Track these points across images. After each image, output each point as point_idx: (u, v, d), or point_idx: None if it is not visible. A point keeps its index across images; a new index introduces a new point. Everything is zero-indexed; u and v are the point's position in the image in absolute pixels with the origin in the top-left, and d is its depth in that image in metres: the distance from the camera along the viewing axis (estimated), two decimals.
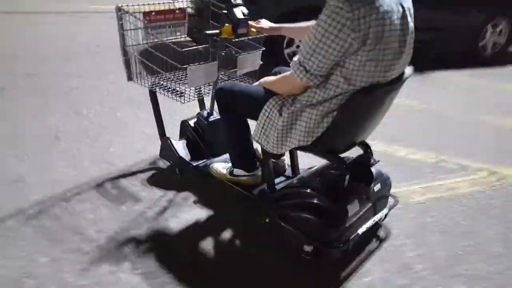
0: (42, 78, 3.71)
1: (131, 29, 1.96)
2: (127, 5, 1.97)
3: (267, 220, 1.82)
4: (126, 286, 1.59)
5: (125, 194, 2.15)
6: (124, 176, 2.30)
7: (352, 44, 1.32)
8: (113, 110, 3.14)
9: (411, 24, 1.44)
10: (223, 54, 2.03)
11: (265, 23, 1.99)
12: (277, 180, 2.01)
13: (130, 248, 1.78)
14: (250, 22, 1.95)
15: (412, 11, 1.46)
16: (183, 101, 1.98)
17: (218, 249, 1.82)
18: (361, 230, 1.69)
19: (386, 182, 1.86)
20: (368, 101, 1.46)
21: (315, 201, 1.65)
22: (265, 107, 1.63)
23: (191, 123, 2.27)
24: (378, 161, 1.72)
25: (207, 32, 1.88)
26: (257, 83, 1.77)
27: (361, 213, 1.71)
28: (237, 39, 1.98)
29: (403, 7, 1.38)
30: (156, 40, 2.06)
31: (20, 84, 3.54)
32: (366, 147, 1.76)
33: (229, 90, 1.79)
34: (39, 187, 2.15)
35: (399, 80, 1.50)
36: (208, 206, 2.08)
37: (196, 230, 1.93)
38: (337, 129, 1.51)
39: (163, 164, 2.39)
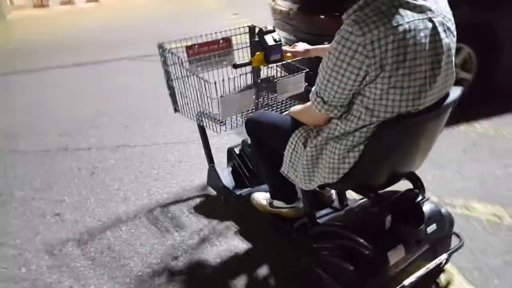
0: None
1: (173, 64, 1.98)
2: (170, 42, 2.01)
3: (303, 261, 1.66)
4: None
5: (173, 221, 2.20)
6: (174, 203, 2.35)
7: (368, 71, 1.13)
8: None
9: (446, 41, 1.19)
10: (259, 81, 1.94)
11: (300, 46, 1.86)
12: (322, 212, 1.84)
13: (166, 278, 1.80)
14: (286, 48, 1.85)
15: (449, 24, 1.21)
16: (219, 131, 1.94)
17: (248, 284, 1.75)
18: (409, 281, 1.43)
19: (445, 221, 1.57)
20: (397, 133, 1.23)
21: (350, 246, 1.45)
22: (291, 139, 1.50)
23: (237, 150, 2.22)
24: (427, 198, 1.46)
25: (238, 63, 1.82)
26: (287, 112, 1.64)
27: (409, 260, 1.46)
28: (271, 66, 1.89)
29: (432, 22, 1.15)
30: (200, 71, 2.06)
31: None
32: (415, 180, 1.50)
33: (257, 121, 1.69)
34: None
35: (439, 107, 1.24)
36: (248, 238, 2.01)
37: (231, 263, 1.87)
38: (366, 165, 1.31)
39: (212, 192, 2.37)
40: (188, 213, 2.24)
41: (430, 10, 1.16)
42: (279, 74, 2.06)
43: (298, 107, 1.56)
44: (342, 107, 1.25)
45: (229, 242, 1.99)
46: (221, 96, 1.82)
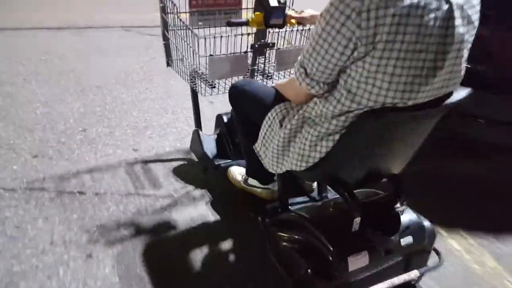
0: None
1: (173, 13, 1.81)
2: None
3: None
4: (98, 272, 1.58)
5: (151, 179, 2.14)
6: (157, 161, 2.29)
7: (357, 45, 0.94)
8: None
9: (461, 30, 0.97)
10: (256, 45, 1.76)
11: (307, 12, 1.65)
12: (297, 200, 1.69)
13: (129, 232, 1.78)
14: (290, 12, 1.65)
15: (471, 11, 0.99)
16: (204, 93, 1.79)
17: (205, 255, 1.69)
18: None
19: (425, 234, 1.39)
20: (377, 127, 1.05)
21: (310, 241, 1.30)
22: (269, 114, 1.34)
23: (225, 118, 2.07)
24: (407, 207, 1.28)
25: (232, 20, 1.64)
26: (273, 84, 1.47)
27: (375, 270, 1.31)
28: (272, 30, 1.70)
29: (450, 4, 0.93)
30: (201, 26, 1.89)
31: None
32: (396, 184, 1.32)
33: (241, 89, 1.53)
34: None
35: (432, 107, 1.04)
36: (218, 211, 1.92)
37: (194, 232, 1.81)
38: (338, 156, 1.14)
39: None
40: (167, 174, 2.17)
41: None
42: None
43: (284, 80, 1.38)
44: (325, 85, 1.07)
45: (198, 211, 1.91)
46: (210, 55, 1.65)
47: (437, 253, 1.48)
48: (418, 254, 1.41)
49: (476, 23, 1.04)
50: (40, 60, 3.75)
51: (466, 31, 1.00)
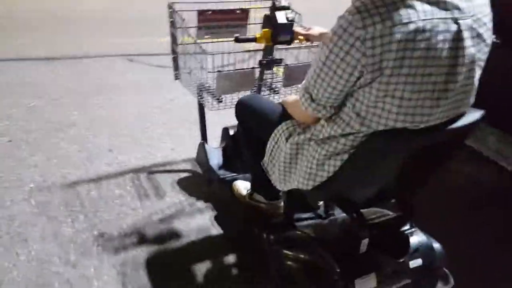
0: None
1: (182, 27, 1.81)
2: (181, 3, 1.82)
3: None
4: (101, 279, 1.60)
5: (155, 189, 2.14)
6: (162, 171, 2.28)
7: (363, 72, 0.93)
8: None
9: (472, 51, 0.95)
10: (264, 61, 1.75)
11: (316, 30, 1.64)
12: (303, 216, 1.66)
13: (132, 241, 1.79)
14: (298, 29, 1.64)
15: (482, 29, 0.97)
16: (210, 108, 1.78)
17: (207, 268, 1.68)
18: None
19: (435, 257, 1.36)
20: (388, 149, 1.03)
21: (317, 261, 1.28)
22: (276, 130, 1.32)
23: (231, 131, 2.05)
24: (416, 228, 1.25)
25: (240, 37, 1.63)
26: (280, 100, 1.45)
27: None
28: (280, 47, 1.70)
29: (458, 24, 0.92)
30: (208, 40, 1.88)
31: None
32: (405, 205, 1.29)
33: (247, 104, 1.52)
34: None
35: (444, 128, 1.01)
36: (222, 224, 1.90)
37: (196, 244, 1.80)
38: (347, 177, 1.11)
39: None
40: (172, 184, 2.16)
41: (458, 8, 0.92)
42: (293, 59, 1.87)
43: (292, 97, 1.36)
44: (332, 108, 1.06)
45: (202, 223, 1.90)
46: (218, 71, 1.65)
47: (446, 275, 1.44)
48: (428, 277, 1.37)
49: (489, 41, 1.02)
50: (26, 109, 2.83)
51: (477, 50, 0.98)
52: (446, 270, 1.43)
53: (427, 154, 1.09)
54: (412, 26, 0.87)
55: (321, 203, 1.73)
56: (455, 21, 0.91)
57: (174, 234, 1.83)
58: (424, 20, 0.88)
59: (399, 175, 1.16)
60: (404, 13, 0.88)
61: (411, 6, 0.88)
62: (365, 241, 1.22)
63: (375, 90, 0.94)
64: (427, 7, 0.89)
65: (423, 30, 0.88)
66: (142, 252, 1.72)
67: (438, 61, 0.91)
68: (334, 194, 1.21)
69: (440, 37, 0.90)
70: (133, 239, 1.79)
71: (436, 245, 1.37)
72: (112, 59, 3.90)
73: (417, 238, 1.31)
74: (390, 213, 1.40)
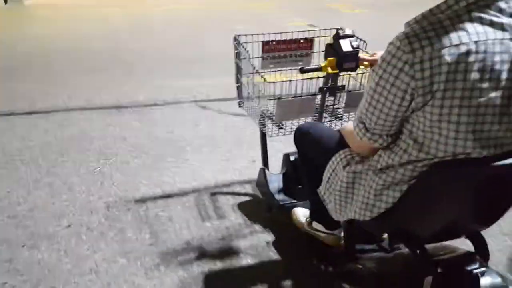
0: None
1: (246, 58, 1.89)
2: (247, 35, 1.91)
3: None
4: None
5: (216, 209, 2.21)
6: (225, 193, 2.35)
7: (414, 96, 0.90)
8: None
9: None
10: (325, 89, 1.75)
11: (380, 55, 1.61)
12: (365, 247, 1.60)
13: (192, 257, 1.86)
14: (363, 55, 1.63)
15: None
16: (271, 134, 1.81)
17: None
18: None
19: None
20: (452, 180, 0.96)
21: None
22: (333, 158, 1.31)
23: (292, 158, 2.06)
24: (488, 267, 1.14)
25: (305, 67, 1.66)
26: (339, 127, 1.44)
27: None
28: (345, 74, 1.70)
29: None
30: (272, 69, 1.94)
31: None
32: (476, 242, 1.19)
33: (306, 132, 1.52)
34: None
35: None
36: (279, 250, 1.87)
37: (251, 266, 1.79)
38: (408, 209, 1.06)
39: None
40: (233, 206, 2.20)
41: None
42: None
43: (350, 126, 1.34)
44: (388, 137, 1.03)
45: (259, 247, 1.89)
46: (278, 98, 1.68)
47: None
48: None
49: None
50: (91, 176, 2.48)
51: None
52: None
53: (500, 184, 1.00)
54: (463, 48, 0.84)
55: (385, 235, 1.66)
56: None
57: (233, 256, 1.85)
58: (476, 41, 0.85)
59: (467, 208, 1.07)
60: (454, 36, 0.85)
61: (462, 28, 0.86)
62: (429, 279, 1.14)
63: (428, 114, 0.91)
64: (479, 28, 0.86)
65: (476, 52, 0.85)
66: (202, 271, 1.76)
67: (497, 83, 0.86)
68: (394, 227, 1.16)
69: (497, 58, 0.85)
70: (194, 257, 1.84)
71: None
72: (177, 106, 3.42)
73: (489, 279, 1.19)
74: (460, 248, 1.29)
